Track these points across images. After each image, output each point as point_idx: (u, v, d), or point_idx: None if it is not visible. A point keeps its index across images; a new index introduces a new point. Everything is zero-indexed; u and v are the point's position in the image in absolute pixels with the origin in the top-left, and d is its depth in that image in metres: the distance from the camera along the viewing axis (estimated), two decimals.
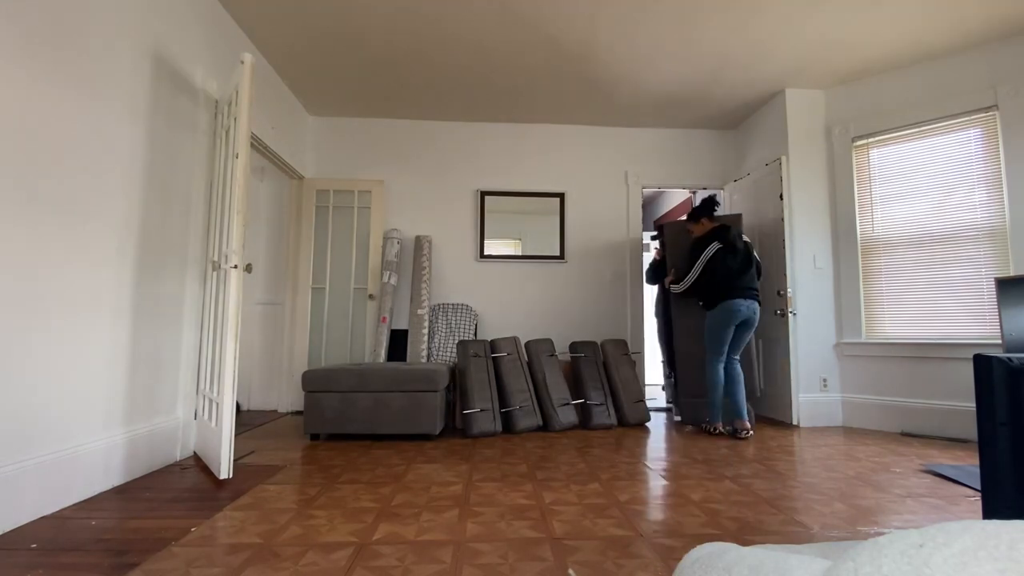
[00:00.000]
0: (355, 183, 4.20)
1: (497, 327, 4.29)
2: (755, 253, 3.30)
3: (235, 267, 2.18)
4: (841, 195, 3.72)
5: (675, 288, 3.39)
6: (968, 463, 2.54)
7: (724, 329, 3.14)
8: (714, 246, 3.18)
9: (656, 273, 4.01)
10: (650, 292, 6.02)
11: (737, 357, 3.25)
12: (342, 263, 4.17)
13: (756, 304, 3.15)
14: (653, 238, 4.37)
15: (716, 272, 3.15)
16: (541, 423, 3.33)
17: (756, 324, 3.17)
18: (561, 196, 4.42)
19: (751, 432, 3.09)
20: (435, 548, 1.50)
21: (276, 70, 3.61)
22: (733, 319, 3.11)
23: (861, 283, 3.60)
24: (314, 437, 3.02)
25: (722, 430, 3.20)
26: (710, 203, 3.33)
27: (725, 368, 3.21)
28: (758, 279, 3.27)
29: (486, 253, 4.33)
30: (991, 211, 3.14)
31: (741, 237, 3.24)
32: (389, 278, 4.02)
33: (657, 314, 4.24)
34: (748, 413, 3.23)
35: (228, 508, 1.82)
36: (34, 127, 1.71)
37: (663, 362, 4.24)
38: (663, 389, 4.43)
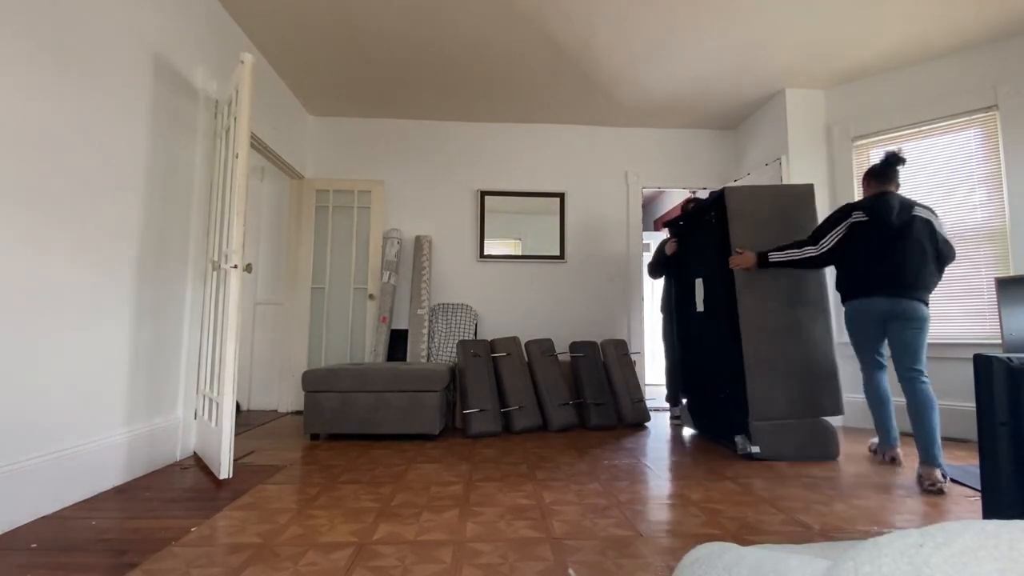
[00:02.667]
0: (355, 183, 4.20)
1: (497, 327, 4.29)
2: (941, 233, 2.33)
3: (235, 267, 2.18)
4: (841, 195, 3.72)
5: (778, 255, 2.48)
6: (968, 463, 2.54)
7: (855, 335, 2.45)
8: (857, 216, 2.31)
9: (659, 266, 3.62)
10: (650, 290, 6.03)
11: (920, 368, 2.24)
12: (342, 263, 4.17)
13: (902, 300, 2.24)
14: (666, 225, 3.64)
15: (853, 254, 2.30)
16: (541, 423, 3.33)
17: (912, 318, 2.23)
18: (561, 196, 4.42)
19: (942, 484, 2.07)
20: (435, 548, 1.50)
21: (276, 70, 3.61)
22: (863, 323, 2.35)
23: None
24: (314, 437, 3.02)
25: (900, 458, 2.48)
26: (889, 163, 2.39)
27: (904, 386, 2.27)
28: (939, 271, 2.32)
29: (486, 253, 4.33)
30: (991, 211, 3.14)
31: (910, 210, 2.29)
32: (389, 278, 4.03)
33: (663, 309, 3.74)
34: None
35: (228, 508, 1.82)
36: (34, 128, 1.71)
37: (668, 370, 3.67)
38: (673, 405, 3.71)
